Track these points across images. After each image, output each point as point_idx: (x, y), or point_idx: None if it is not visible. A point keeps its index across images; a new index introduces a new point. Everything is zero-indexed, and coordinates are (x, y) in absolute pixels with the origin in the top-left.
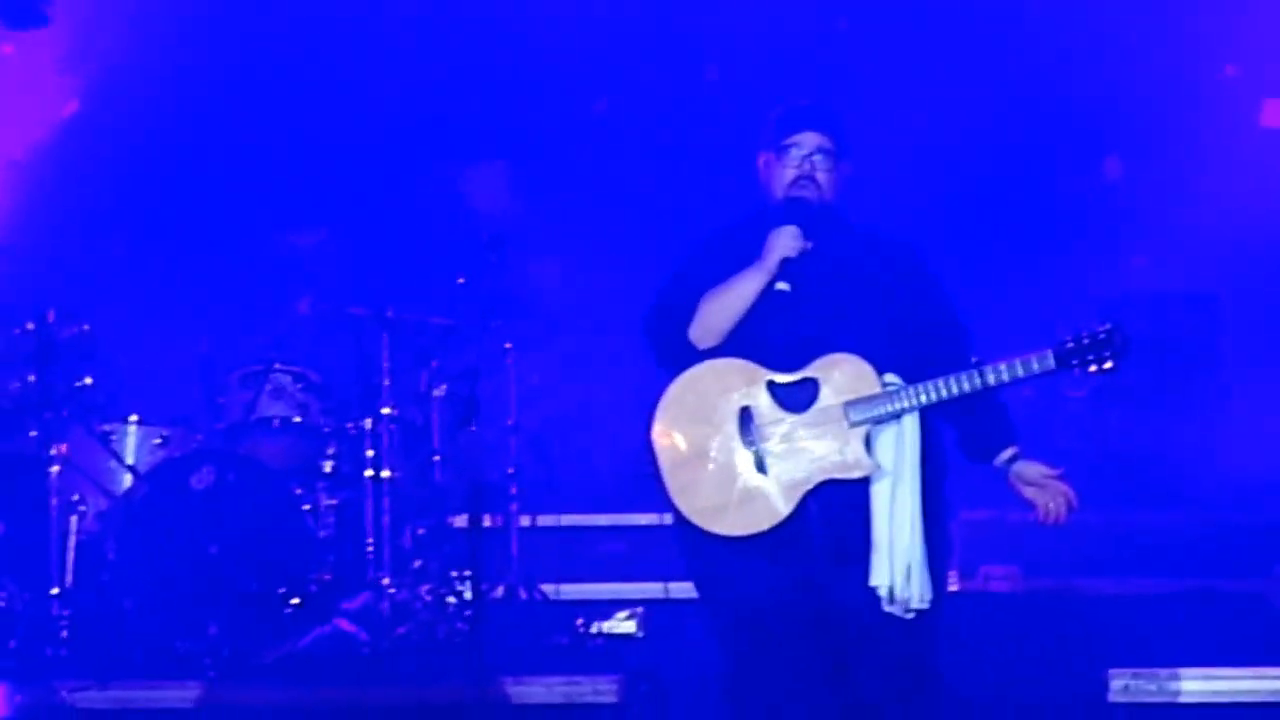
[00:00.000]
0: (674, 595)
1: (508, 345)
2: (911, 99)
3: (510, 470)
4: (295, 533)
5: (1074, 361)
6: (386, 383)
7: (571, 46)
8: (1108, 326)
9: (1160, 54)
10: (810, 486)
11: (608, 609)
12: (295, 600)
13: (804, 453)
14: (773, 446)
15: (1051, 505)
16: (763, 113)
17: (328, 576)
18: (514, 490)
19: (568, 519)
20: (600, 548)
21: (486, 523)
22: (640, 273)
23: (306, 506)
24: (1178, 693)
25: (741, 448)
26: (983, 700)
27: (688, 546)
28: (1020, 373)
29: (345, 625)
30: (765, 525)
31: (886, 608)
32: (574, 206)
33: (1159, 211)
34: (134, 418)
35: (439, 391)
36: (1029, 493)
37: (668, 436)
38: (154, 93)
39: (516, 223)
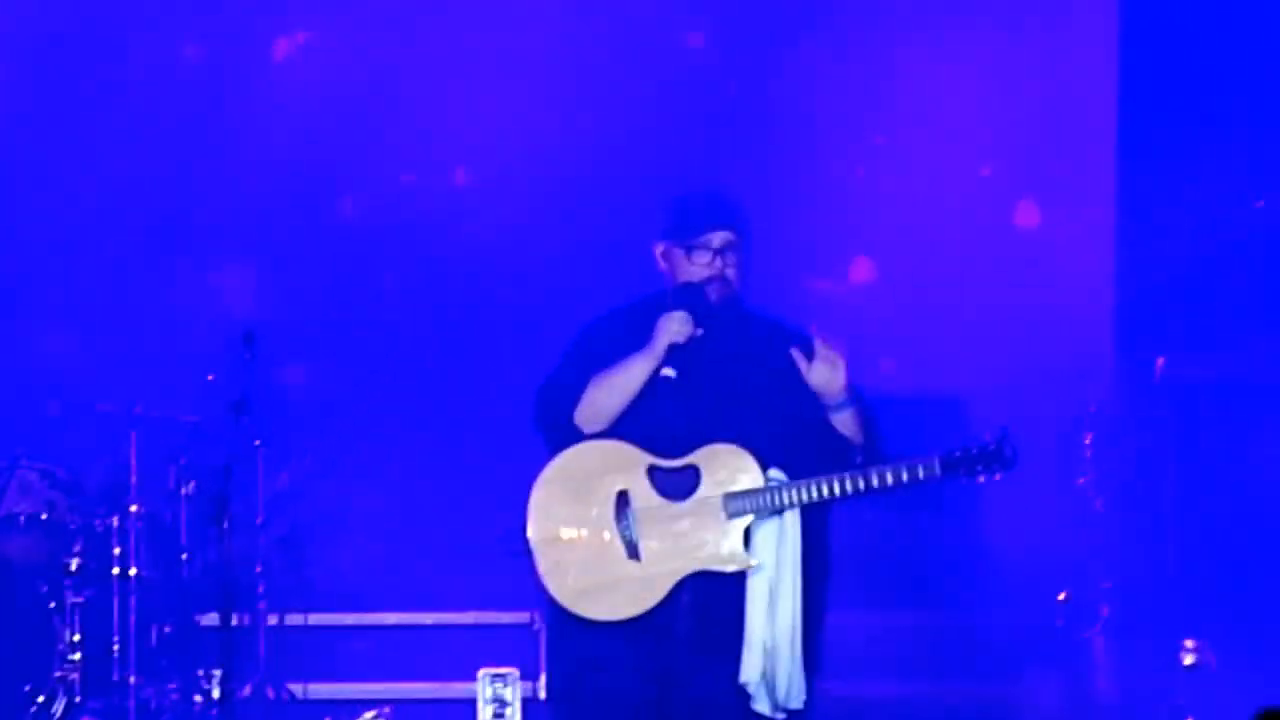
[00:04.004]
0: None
1: (257, 443)
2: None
3: (258, 569)
4: (41, 631)
5: (961, 470)
6: (134, 480)
7: (318, 147)
8: (997, 438)
9: (914, 153)
10: (682, 576)
11: (355, 709)
12: (41, 698)
13: (679, 542)
14: (647, 533)
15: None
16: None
17: (74, 675)
18: (262, 589)
19: (315, 618)
20: (348, 647)
21: (234, 621)
22: (391, 373)
23: (53, 604)
24: None
25: (615, 532)
26: None
27: (554, 627)
28: (905, 478)
29: None
30: (632, 612)
31: (755, 706)
32: (324, 308)
33: (910, 312)
34: None
35: (187, 489)
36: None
37: (543, 513)
38: None
39: (267, 322)
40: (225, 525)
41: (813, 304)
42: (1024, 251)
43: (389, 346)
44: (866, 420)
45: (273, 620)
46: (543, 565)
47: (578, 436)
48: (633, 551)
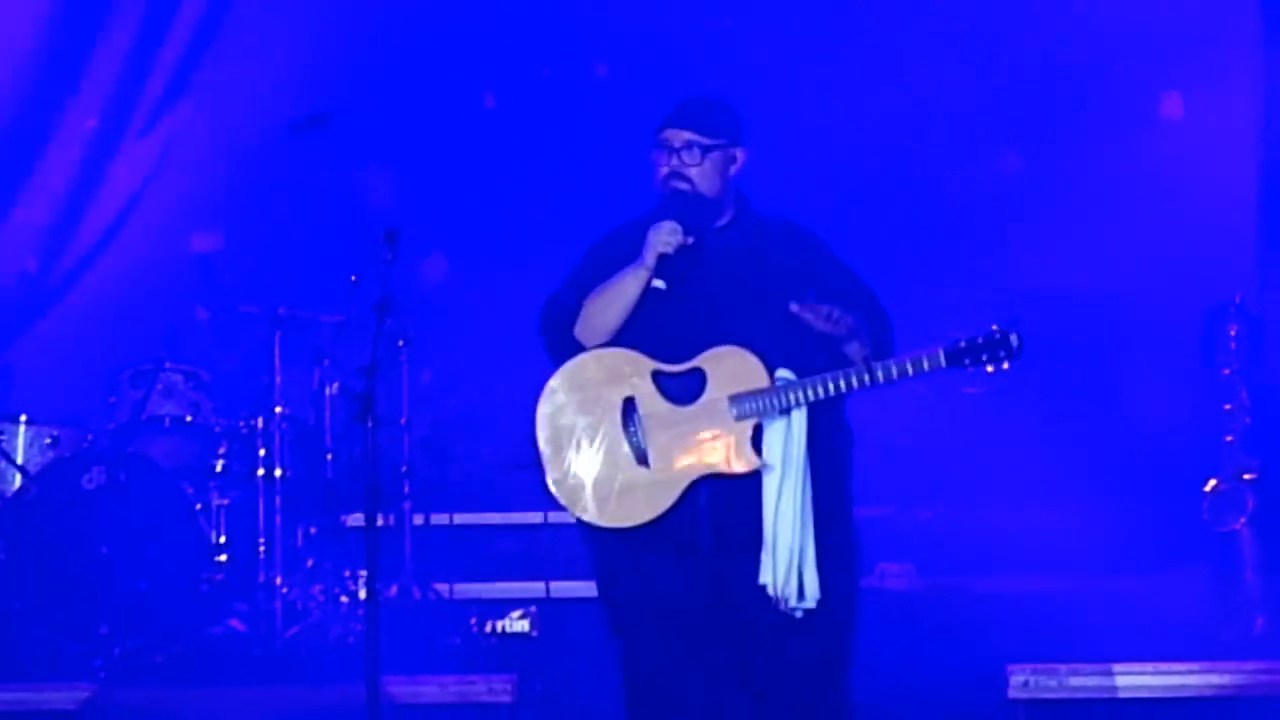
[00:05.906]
0: (555, 595)
1: (400, 343)
2: (806, 88)
3: (403, 469)
4: (186, 532)
5: (966, 360)
6: (278, 381)
7: (458, 44)
8: (999, 327)
9: (1057, 45)
10: (691, 480)
11: (501, 608)
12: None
13: (687, 445)
14: (655, 438)
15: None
16: (653, 108)
17: (219, 576)
18: (407, 489)
19: (461, 518)
20: (494, 546)
21: (380, 521)
22: (533, 270)
23: (198, 506)
24: (1077, 688)
25: (623, 439)
26: (882, 698)
27: (587, 540)
28: (910, 371)
29: (237, 625)
30: (644, 518)
31: (781, 606)
32: (466, 204)
33: (1054, 207)
34: (23, 417)
35: (331, 389)
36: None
37: (550, 425)
38: (43, 92)
39: (409, 220)
40: (369, 425)
41: (958, 197)
42: (1169, 143)
43: (531, 242)
44: (877, 338)
45: (418, 520)
46: (554, 477)
47: (579, 351)
48: (641, 458)
